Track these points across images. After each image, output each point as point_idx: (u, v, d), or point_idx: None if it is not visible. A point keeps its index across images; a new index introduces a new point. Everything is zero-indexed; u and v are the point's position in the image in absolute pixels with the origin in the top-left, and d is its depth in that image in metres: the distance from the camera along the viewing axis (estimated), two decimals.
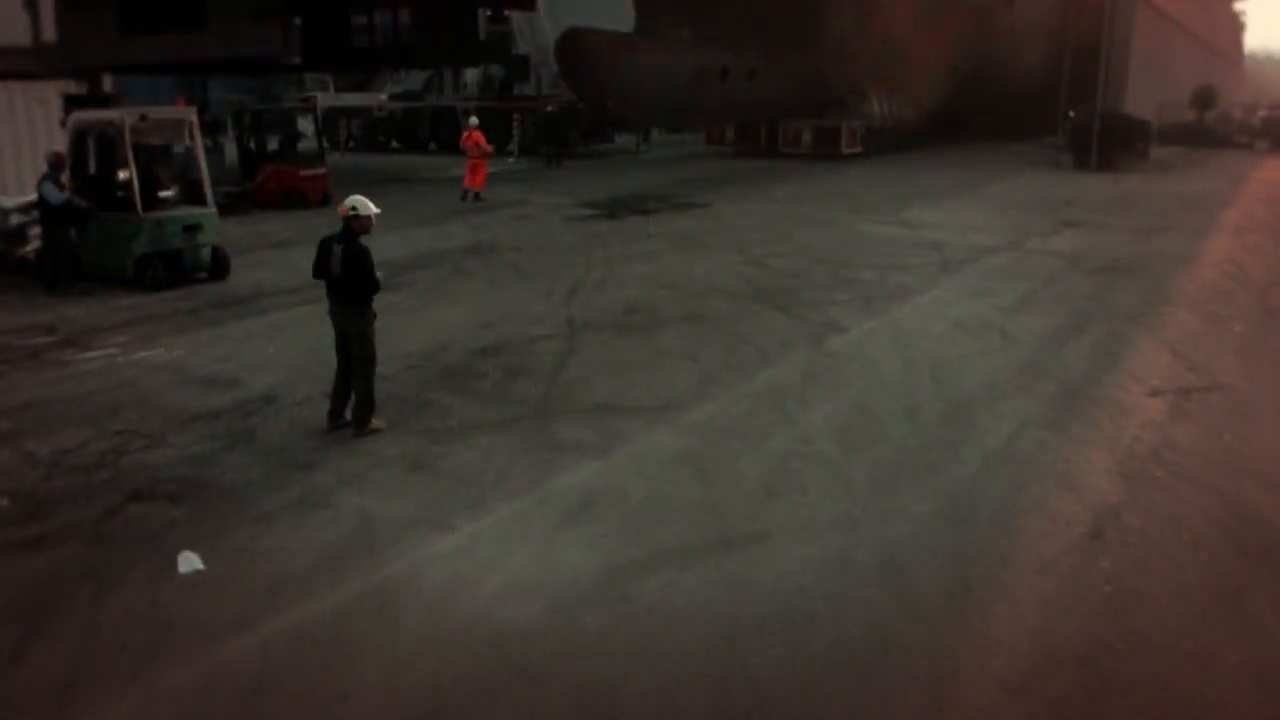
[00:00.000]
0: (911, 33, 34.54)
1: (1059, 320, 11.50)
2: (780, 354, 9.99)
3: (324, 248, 7.51)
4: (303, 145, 20.95)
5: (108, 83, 27.54)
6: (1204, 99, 54.62)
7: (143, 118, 12.56)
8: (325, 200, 20.50)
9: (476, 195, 20.67)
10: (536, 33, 40.72)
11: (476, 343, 10.10)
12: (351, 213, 7.42)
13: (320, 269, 7.55)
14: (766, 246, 16.17)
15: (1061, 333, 10.96)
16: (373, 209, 7.45)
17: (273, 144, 20.84)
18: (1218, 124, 52.67)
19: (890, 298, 12.65)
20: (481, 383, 8.85)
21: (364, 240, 7.46)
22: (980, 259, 15.54)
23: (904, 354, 10.00)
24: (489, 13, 36.63)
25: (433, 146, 39.35)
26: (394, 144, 41.38)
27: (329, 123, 42.54)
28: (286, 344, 10.03)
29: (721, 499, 6.46)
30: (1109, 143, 34.07)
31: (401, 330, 10.53)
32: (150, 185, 12.62)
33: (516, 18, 40.63)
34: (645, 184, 25.79)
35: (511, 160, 33.81)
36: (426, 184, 25.87)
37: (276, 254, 14.82)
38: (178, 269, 12.53)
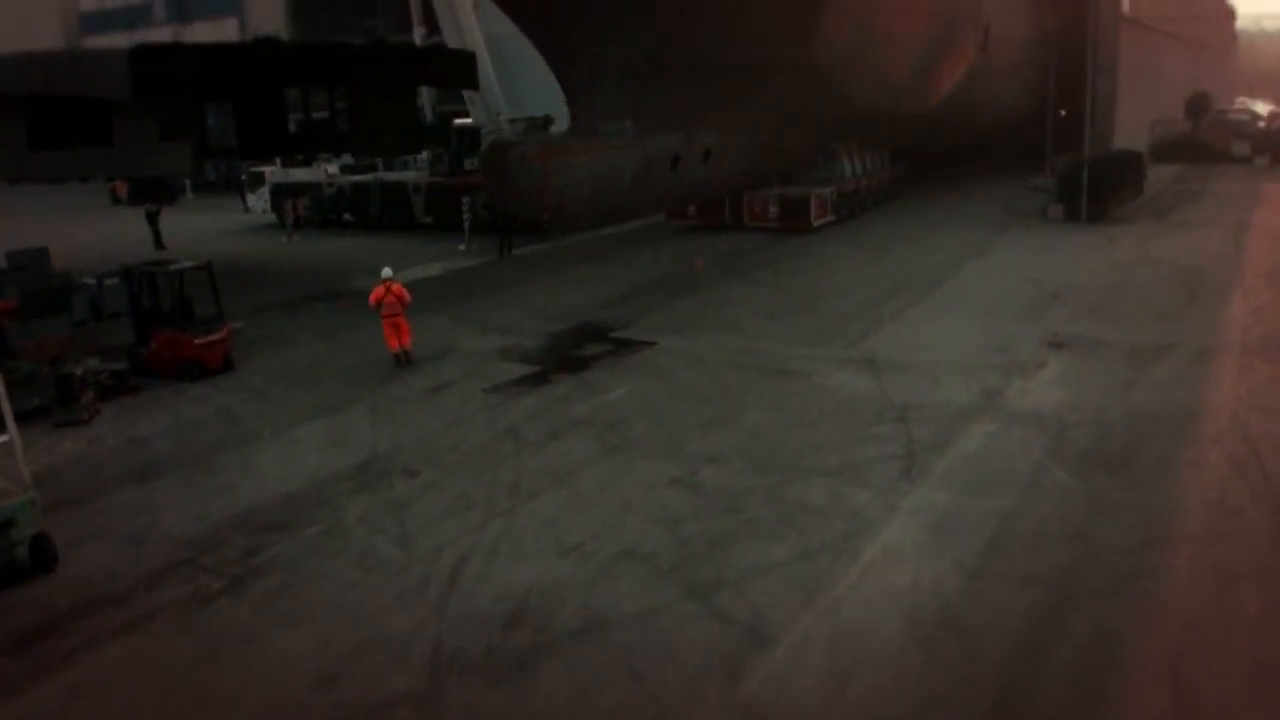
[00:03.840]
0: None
1: (1031, 600, 9.51)
2: None
3: None
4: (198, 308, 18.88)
5: None
6: (1198, 107, 52.41)
7: None
8: (228, 365, 18.61)
9: (407, 357, 18.58)
10: (488, 100, 38.68)
11: None
12: None
13: None
14: (708, 438, 14.08)
15: (1035, 637, 8.95)
16: None
17: (168, 304, 18.82)
18: (1212, 133, 50.39)
19: (836, 550, 10.66)
20: None
21: None
22: (951, 441, 13.59)
23: None
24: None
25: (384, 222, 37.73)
26: (347, 216, 39.42)
27: (276, 200, 40.62)
28: None
29: None
30: (1099, 191, 32.09)
31: (217, 710, 8.54)
32: None
33: None
34: (595, 296, 23.55)
35: (462, 248, 31.79)
36: (361, 301, 23.60)
37: (134, 498, 12.82)
38: None
